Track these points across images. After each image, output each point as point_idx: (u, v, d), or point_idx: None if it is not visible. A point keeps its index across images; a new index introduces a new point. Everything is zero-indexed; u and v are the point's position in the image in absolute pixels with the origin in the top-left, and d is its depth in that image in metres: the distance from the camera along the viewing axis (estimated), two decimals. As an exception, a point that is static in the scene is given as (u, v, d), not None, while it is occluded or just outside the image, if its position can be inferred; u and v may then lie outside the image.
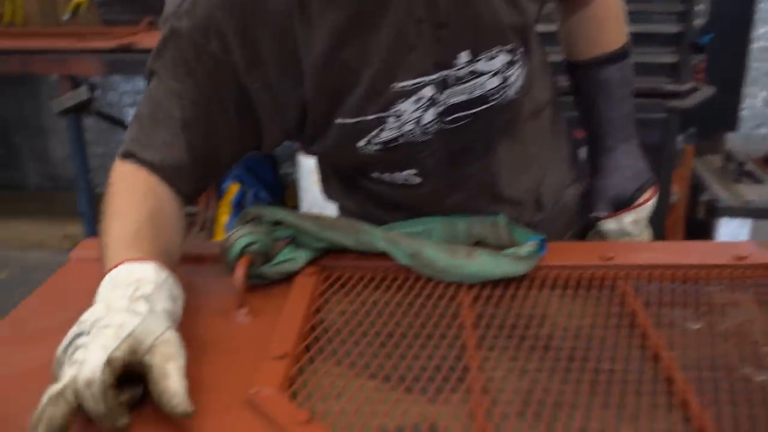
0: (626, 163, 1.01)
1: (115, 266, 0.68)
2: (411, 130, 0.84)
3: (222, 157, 0.85)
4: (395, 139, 0.85)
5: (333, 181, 1.04)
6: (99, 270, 0.70)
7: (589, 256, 0.88)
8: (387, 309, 0.79)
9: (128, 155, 0.80)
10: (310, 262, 0.87)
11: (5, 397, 0.65)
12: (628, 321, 0.75)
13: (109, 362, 0.57)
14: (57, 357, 0.60)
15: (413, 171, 0.91)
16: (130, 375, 0.60)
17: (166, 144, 0.80)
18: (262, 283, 0.85)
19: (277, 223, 0.86)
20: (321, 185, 1.08)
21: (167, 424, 0.60)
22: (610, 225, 1.03)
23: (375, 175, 0.93)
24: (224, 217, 2.49)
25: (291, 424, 0.58)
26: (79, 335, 0.60)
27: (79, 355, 0.58)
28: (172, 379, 0.58)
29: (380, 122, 0.83)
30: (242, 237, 0.81)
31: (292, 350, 0.69)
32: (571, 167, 1.07)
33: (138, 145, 0.80)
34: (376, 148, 0.85)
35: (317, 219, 0.86)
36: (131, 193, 0.78)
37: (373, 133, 0.84)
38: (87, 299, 0.66)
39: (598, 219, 1.03)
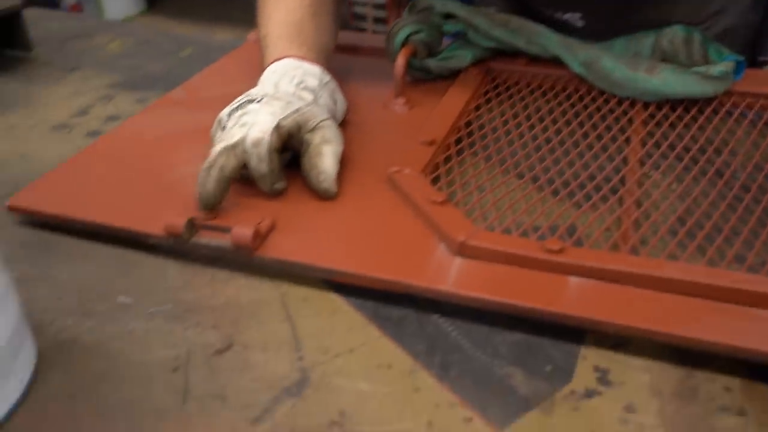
0: None
1: (280, 59, 0.69)
2: None
3: None
4: None
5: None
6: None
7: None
8: (550, 117, 0.74)
9: None
10: (477, 62, 0.83)
11: (174, 148, 0.70)
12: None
13: (277, 128, 0.59)
14: (219, 118, 0.63)
15: (578, 14, 0.83)
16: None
17: None
18: (425, 77, 0.83)
19: (448, 17, 0.82)
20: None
21: (310, 198, 0.62)
22: None
23: (539, 8, 0.86)
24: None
25: (425, 203, 0.57)
26: (249, 101, 0.62)
27: (248, 118, 0.60)
28: (325, 159, 0.60)
29: None
30: (407, 25, 0.79)
31: (442, 139, 0.68)
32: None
33: None
34: None
35: (490, 15, 0.81)
36: None
37: None
38: (257, 77, 0.69)
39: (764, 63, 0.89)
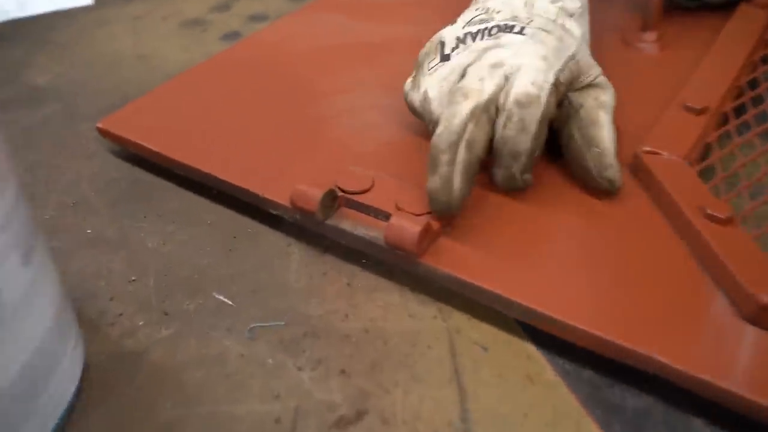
0: None
1: None
2: None
3: None
4: None
5: None
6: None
7: None
8: None
9: None
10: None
11: (328, 69, 0.51)
12: None
13: (555, 83, 0.37)
14: (442, 41, 0.42)
15: None
16: None
17: None
18: (687, 4, 0.58)
19: None
20: None
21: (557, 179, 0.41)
22: None
23: None
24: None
25: (697, 217, 0.35)
26: (501, 27, 0.40)
27: (506, 56, 0.38)
28: (605, 132, 0.38)
29: None
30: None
31: (717, 105, 0.44)
32: None
33: None
34: None
35: None
36: None
37: None
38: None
39: None
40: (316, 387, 0.32)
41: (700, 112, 0.43)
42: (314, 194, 0.36)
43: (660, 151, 0.40)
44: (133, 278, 0.38)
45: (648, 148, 0.40)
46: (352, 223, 0.37)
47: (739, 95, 0.48)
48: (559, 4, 0.42)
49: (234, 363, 0.33)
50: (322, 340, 0.34)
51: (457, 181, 0.35)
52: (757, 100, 0.47)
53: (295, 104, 0.47)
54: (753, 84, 0.49)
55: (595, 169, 0.38)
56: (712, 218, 0.35)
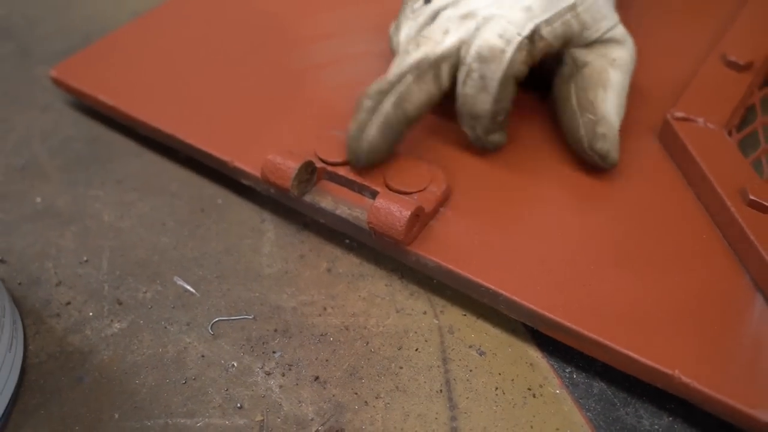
0: None
1: None
2: None
3: None
4: None
5: None
6: None
7: None
8: None
9: None
10: None
11: (309, 8, 0.45)
12: None
13: (533, 36, 0.31)
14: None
15: None
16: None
17: None
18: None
19: None
20: None
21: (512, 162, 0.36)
22: None
23: None
24: None
25: (737, 201, 0.30)
26: None
27: (478, 5, 0.33)
28: (609, 97, 0.33)
29: None
30: None
31: (762, 62, 0.38)
32: None
33: None
34: None
35: None
36: None
37: None
38: None
39: None
40: (286, 397, 0.28)
41: (743, 68, 0.37)
42: (288, 167, 0.31)
43: (694, 118, 0.34)
44: (84, 259, 0.33)
45: (680, 114, 0.34)
46: (332, 201, 0.32)
47: (787, 45, 0.41)
48: None
49: (193, 366, 0.29)
50: (295, 340, 0.30)
51: (371, 133, 0.31)
52: (807, 52, 0.41)
53: (273, 52, 0.41)
54: (804, 30, 0.43)
55: (586, 139, 0.33)
56: (754, 204, 0.30)
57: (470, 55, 0.31)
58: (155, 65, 0.40)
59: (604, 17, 0.34)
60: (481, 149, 0.34)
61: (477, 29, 0.31)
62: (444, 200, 0.32)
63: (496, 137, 0.33)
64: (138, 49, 0.42)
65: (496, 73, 0.31)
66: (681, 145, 0.33)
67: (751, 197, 0.30)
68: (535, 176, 0.34)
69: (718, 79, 0.36)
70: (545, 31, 0.31)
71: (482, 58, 0.31)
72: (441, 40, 0.32)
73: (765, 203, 0.30)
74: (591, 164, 0.33)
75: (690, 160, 0.33)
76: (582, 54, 0.33)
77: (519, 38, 0.31)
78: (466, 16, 0.32)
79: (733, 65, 0.37)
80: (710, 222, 0.31)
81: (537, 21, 0.31)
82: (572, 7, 0.32)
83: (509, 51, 0.31)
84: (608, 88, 0.33)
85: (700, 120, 0.34)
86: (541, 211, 0.32)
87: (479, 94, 0.31)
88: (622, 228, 0.31)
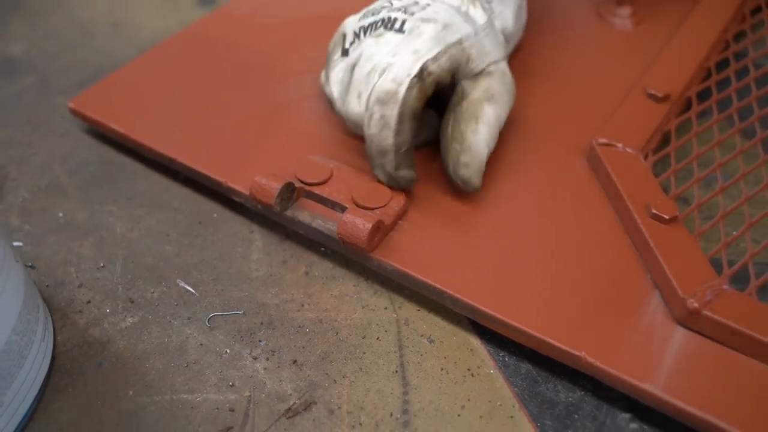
0: None
1: None
2: None
3: None
4: None
5: None
6: None
7: None
8: None
9: None
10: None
11: (292, 46, 0.51)
12: None
13: (421, 75, 0.37)
14: (344, 32, 0.43)
15: None
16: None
17: None
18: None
19: None
20: None
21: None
22: None
23: None
24: None
25: (643, 215, 0.37)
26: (386, 23, 0.40)
27: (379, 58, 0.39)
28: (480, 129, 0.38)
29: None
30: None
31: (680, 91, 0.45)
32: None
33: None
34: None
35: None
36: None
37: None
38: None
39: None
40: (269, 377, 0.34)
41: (661, 99, 0.43)
42: (272, 187, 0.38)
43: (615, 143, 0.41)
44: (101, 264, 0.39)
45: (603, 140, 0.41)
46: (309, 215, 0.38)
47: (707, 77, 0.48)
48: None
49: (193, 353, 0.35)
50: (277, 331, 0.36)
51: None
52: (722, 84, 0.47)
53: (262, 86, 0.48)
54: (723, 64, 0.49)
55: (452, 165, 0.39)
56: (656, 217, 0.36)
57: (371, 101, 0.37)
58: (159, 97, 0.47)
59: (488, 53, 0.40)
60: (397, 187, 0.39)
61: (379, 78, 0.38)
62: (402, 214, 0.38)
63: (405, 173, 0.39)
64: (144, 82, 0.48)
65: (393, 110, 0.37)
66: (603, 167, 0.40)
67: (653, 211, 0.36)
68: (476, 194, 0.40)
69: (639, 109, 0.43)
70: (433, 67, 0.37)
71: (380, 101, 0.37)
72: (358, 104, 0.40)
73: (664, 216, 0.36)
74: (456, 187, 0.40)
75: (609, 179, 0.39)
76: (467, 86, 0.39)
77: (408, 78, 0.37)
78: (370, 73, 0.39)
79: (652, 97, 0.44)
80: (623, 232, 0.38)
81: (424, 60, 0.37)
82: (458, 42, 0.38)
83: (401, 91, 0.37)
84: (480, 121, 0.38)
85: (620, 145, 0.40)
86: (481, 223, 0.38)
87: (381, 132, 0.37)
88: (549, 235, 0.38)
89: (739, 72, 0.48)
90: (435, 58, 0.38)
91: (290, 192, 0.39)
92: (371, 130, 0.37)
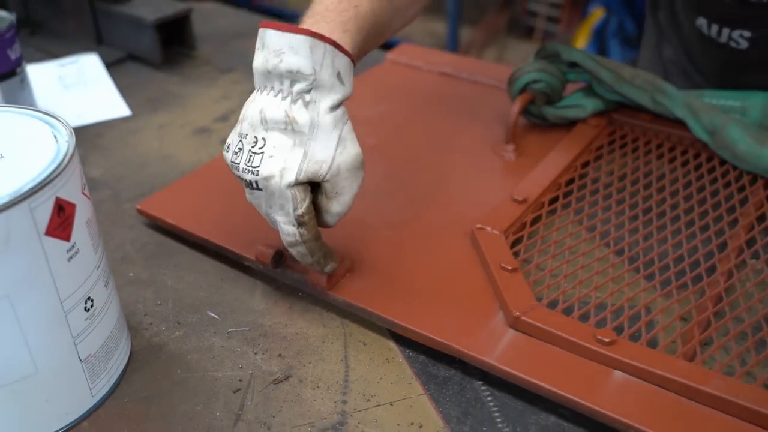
0: None
1: (298, 31, 0.52)
2: None
3: None
4: None
5: (662, 14, 0.95)
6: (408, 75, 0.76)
7: None
8: (660, 182, 0.73)
9: None
10: (598, 114, 0.82)
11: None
12: None
13: (301, 218, 0.53)
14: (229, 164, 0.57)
15: (747, 32, 0.78)
16: None
17: None
18: (542, 124, 0.83)
19: (573, 65, 0.81)
20: (649, 14, 0.99)
21: (389, 241, 0.66)
22: None
23: (699, 23, 0.82)
24: (581, 41, 2.38)
25: (496, 268, 0.59)
26: (254, 151, 0.54)
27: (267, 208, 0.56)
28: (335, 206, 0.56)
29: None
30: (529, 72, 0.79)
31: (535, 197, 0.69)
32: None
33: None
34: None
35: (616, 68, 0.79)
36: None
37: None
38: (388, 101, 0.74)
39: None
40: (264, 363, 0.56)
41: (521, 202, 0.67)
42: (268, 253, 0.61)
43: (486, 227, 0.64)
44: (159, 303, 0.62)
45: (479, 226, 0.64)
46: (291, 272, 0.61)
47: (557, 189, 0.72)
48: (294, 90, 0.52)
49: (217, 351, 0.57)
50: (269, 339, 0.58)
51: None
52: (568, 194, 0.72)
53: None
54: (571, 181, 0.74)
55: (321, 220, 0.57)
56: (503, 268, 0.59)
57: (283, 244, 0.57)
58: (195, 202, 0.71)
59: (323, 162, 0.53)
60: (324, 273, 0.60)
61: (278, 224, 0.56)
62: (349, 269, 0.61)
63: (331, 265, 0.58)
64: (186, 193, 0.72)
65: (303, 249, 0.55)
66: (477, 242, 0.63)
67: (502, 265, 0.59)
68: (391, 259, 0.63)
69: (505, 208, 0.67)
70: (304, 207, 0.53)
71: (292, 245, 0.55)
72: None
73: (508, 268, 0.59)
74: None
75: (480, 249, 0.62)
76: (325, 185, 0.55)
77: (295, 231, 0.54)
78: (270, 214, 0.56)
79: (515, 200, 0.68)
80: (486, 279, 0.60)
81: (300, 208, 0.53)
82: (306, 158, 0.52)
83: (298, 238, 0.54)
84: (327, 212, 0.56)
85: (489, 228, 0.64)
86: (398, 273, 0.61)
87: (304, 258, 0.56)
88: (440, 278, 0.60)
89: (580, 186, 0.73)
90: (300, 182, 0.53)
91: (280, 255, 0.62)
92: (297, 259, 0.57)
